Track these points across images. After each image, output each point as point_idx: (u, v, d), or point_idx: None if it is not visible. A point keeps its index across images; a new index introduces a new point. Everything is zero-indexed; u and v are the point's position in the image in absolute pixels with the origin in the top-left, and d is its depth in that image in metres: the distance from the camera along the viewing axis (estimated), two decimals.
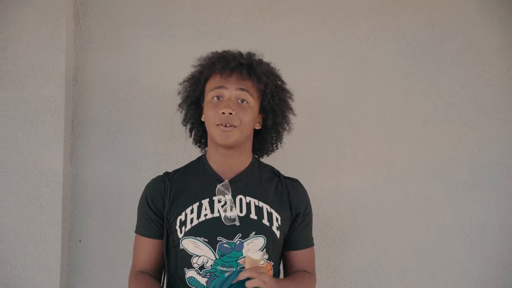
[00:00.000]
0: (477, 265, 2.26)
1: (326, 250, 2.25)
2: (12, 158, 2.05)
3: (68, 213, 2.16)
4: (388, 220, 2.26)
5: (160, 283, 1.68)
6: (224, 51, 1.69)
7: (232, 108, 1.57)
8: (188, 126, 1.80)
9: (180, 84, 1.78)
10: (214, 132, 1.60)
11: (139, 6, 2.24)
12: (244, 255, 1.55)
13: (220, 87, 1.61)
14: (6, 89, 2.06)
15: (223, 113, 1.57)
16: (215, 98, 1.61)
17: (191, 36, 2.25)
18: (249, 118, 1.62)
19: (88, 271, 2.19)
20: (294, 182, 1.77)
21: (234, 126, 1.59)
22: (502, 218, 2.27)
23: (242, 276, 1.44)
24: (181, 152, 2.20)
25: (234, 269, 1.54)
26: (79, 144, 2.20)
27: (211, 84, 1.64)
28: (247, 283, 1.43)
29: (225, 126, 1.58)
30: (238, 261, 1.56)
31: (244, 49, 1.70)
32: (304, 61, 2.26)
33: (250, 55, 1.69)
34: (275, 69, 1.73)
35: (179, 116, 1.82)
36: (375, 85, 2.29)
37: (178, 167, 1.77)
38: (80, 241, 2.19)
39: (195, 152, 1.86)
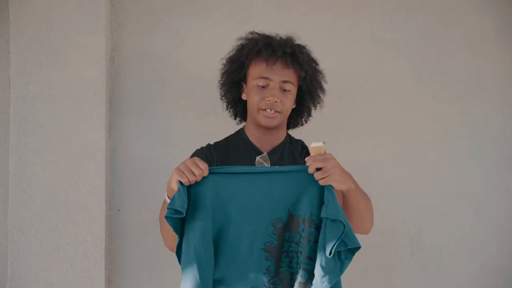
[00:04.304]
0: (481, 227, 2.46)
1: None
2: (58, 134, 2.19)
3: (108, 184, 2.32)
4: (401, 188, 2.45)
5: None
6: (267, 36, 1.83)
7: (278, 96, 1.74)
8: (227, 102, 1.96)
9: (223, 64, 1.91)
10: (258, 116, 1.77)
11: None
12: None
13: (266, 78, 1.75)
14: (51, 69, 2.18)
15: (269, 100, 1.74)
16: (260, 85, 1.77)
17: (219, 18, 2.39)
18: (290, 104, 1.80)
19: (126, 238, 2.35)
20: None
21: (278, 112, 1.76)
22: (505, 185, 2.48)
23: (311, 167, 1.53)
24: (212, 127, 2.34)
25: None
26: (117, 121, 2.34)
27: (255, 70, 1.78)
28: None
29: (270, 111, 1.74)
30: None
31: (267, 31, 1.85)
32: (324, 42, 2.39)
33: (291, 41, 1.83)
34: (311, 52, 1.89)
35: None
36: (388, 64, 2.47)
37: (208, 141, 1.91)
38: (118, 210, 2.35)
39: (224, 128, 2.02)
